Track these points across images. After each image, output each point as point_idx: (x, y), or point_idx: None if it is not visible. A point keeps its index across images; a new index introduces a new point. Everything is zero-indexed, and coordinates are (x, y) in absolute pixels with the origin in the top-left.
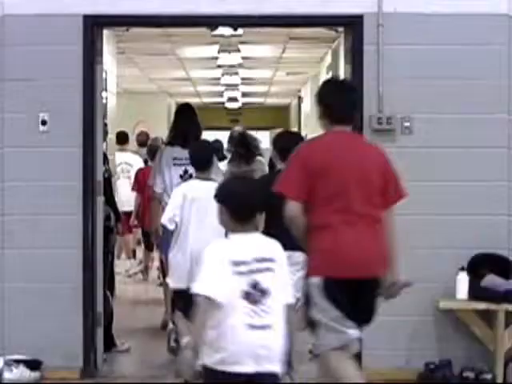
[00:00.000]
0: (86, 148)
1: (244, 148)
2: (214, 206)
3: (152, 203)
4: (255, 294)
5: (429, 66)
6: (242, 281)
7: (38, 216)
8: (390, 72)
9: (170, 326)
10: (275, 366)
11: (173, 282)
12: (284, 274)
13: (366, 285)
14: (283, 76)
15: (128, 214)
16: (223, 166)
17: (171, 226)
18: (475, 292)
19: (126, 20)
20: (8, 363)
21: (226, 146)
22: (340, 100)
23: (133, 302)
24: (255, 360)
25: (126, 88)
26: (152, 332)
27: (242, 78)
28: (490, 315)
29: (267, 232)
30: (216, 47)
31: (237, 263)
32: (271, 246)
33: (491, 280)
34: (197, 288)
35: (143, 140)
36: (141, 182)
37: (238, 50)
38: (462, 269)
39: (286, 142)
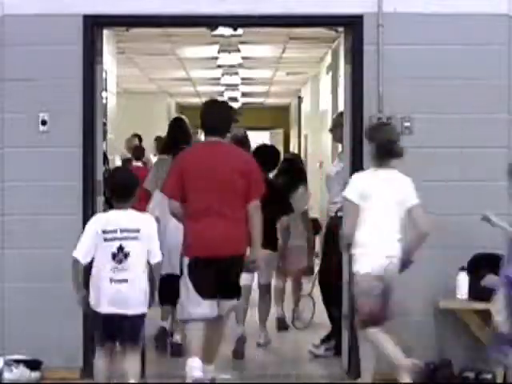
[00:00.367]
0: (86, 148)
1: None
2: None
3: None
4: (120, 256)
5: (429, 66)
6: (111, 245)
7: (38, 216)
8: (390, 72)
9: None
10: (129, 310)
11: None
12: (150, 241)
13: (224, 262)
14: (283, 76)
15: None
16: None
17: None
18: (475, 292)
19: (126, 20)
20: (8, 363)
21: None
22: (209, 115)
23: None
24: (112, 304)
25: (126, 88)
26: (152, 332)
27: (242, 78)
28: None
29: None
30: (216, 47)
31: (106, 232)
32: (140, 220)
33: (491, 280)
34: (74, 252)
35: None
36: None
37: (238, 50)
38: (462, 269)
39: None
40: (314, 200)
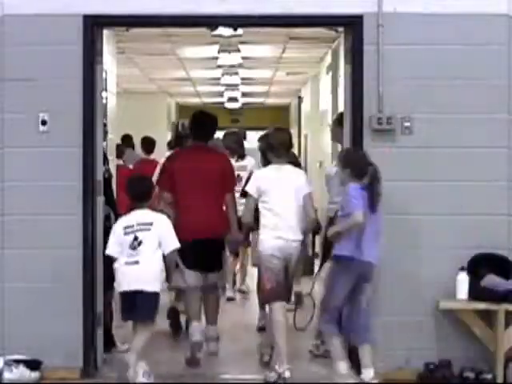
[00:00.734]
0: (86, 148)
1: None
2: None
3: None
4: (134, 244)
5: (429, 66)
6: (130, 237)
7: (38, 216)
8: (390, 72)
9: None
10: (142, 287)
11: None
12: (162, 233)
13: (207, 243)
14: (283, 76)
15: None
16: None
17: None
18: (475, 292)
19: (126, 20)
20: (8, 363)
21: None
22: (197, 125)
23: None
24: (127, 283)
25: (126, 88)
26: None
27: (242, 78)
28: (489, 315)
29: None
30: (216, 47)
31: (126, 227)
32: (153, 216)
33: (491, 280)
34: (106, 251)
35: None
36: None
37: (238, 50)
38: (462, 269)
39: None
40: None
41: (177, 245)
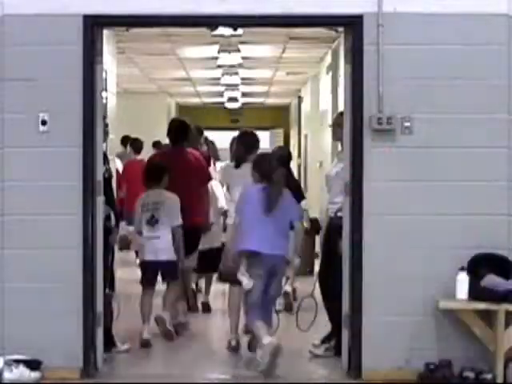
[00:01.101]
0: (86, 148)
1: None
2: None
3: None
4: (152, 221)
5: (429, 66)
6: (146, 214)
7: (38, 216)
8: (390, 72)
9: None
10: (163, 256)
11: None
12: (171, 209)
13: (191, 230)
14: (283, 76)
15: None
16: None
17: None
18: (475, 292)
19: (126, 20)
20: (8, 363)
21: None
22: (174, 130)
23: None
24: (153, 254)
25: (126, 88)
26: (152, 331)
27: (242, 78)
28: (490, 315)
29: None
30: (216, 47)
31: (143, 206)
32: (165, 195)
33: (491, 280)
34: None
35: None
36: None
37: (238, 50)
38: (462, 269)
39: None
40: (315, 200)
41: (180, 221)
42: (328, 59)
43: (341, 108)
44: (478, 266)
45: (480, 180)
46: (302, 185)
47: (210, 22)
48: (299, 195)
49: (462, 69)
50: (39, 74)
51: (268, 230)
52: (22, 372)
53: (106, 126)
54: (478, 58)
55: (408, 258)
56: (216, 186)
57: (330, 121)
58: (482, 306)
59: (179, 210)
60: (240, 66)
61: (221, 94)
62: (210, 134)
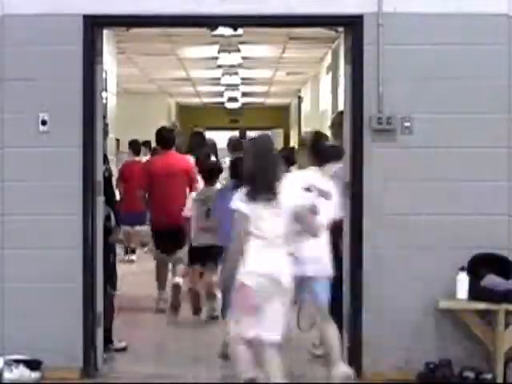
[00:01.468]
0: (86, 148)
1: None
2: None
3: None
4: (208, 213)
5: (429, 66)
6: (202, 207)
7: (38, 216)
8: (390, 72)
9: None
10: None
11: None
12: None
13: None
14: (283, 76)
15: None
16: None
17: None
18: (475, 292)
19: (126, 20)
20: (8, 363)
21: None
22: (163, 137)
23: (133, 300)
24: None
25: (126, 88)
26: (152, 331)
27: (242, 78)
28: (489, 315)
29: None
30: (216, 47)
31: (198, 199)
32: (214, 191)
33: (491, 280)
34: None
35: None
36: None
37: (238, 50)
38: (462, 269)
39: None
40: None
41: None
42: (328, 59)
43: (341, 108)
44: (478, 265)
45: (480, 180)
46: None
47: (210, 22)
48: None
49: (462, 69)
50: (39, 74)
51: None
52: (22, 372)
53: (105, 125)
54: (478, 57)
55: (408, 257)
56: None
57: (330, 121)
58: (482, 305)
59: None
60: (240, 66)
61: (221, 94)
62: (209, 134)
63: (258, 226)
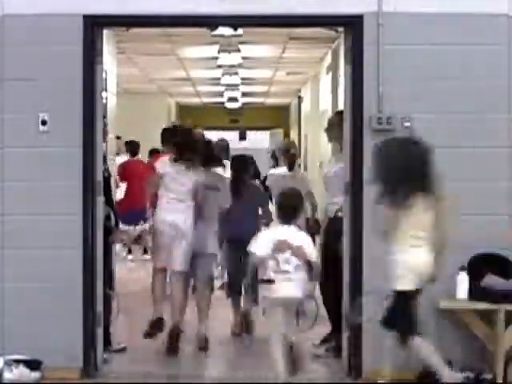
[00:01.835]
0: (86, 148)
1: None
2: None
3: None
4: None
5: (429, 66)
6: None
7: (38, 216)
8: (390, 72)
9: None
10: None
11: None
12: None
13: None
14: (283, 76)
15: None
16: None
17: None
18: (475, 292)
19: (125, 20)
20: (8, 363)
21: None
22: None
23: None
24: None
25: (126, 88)
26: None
27: (242, 78)
28: (489, 315)
29: None
30: (216, 47)
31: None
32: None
33: (491, 280)
34: None
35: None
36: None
37: (238, 50)
38: (462, 269)
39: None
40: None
41: None
42: (328, 59)
43: (341, 108)
44: (478, 266)
45: (480, 180)
46: None
47: (210, 22)
48: None
49: (462, 69)
50: (39, 74)
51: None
52: (22, 372)
53: (105, 125)
54: (478, 57)
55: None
56: None
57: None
58: (482, 305)
59: None
60: (240, 66)
61: (221, 94)
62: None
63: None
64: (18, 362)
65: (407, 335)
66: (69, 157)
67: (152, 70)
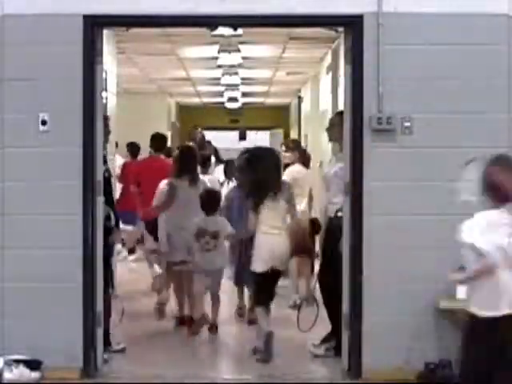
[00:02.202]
0: (86, 148)
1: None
2: None
3: None
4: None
5: (429, 66)
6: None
7: (38, 216)
8: (390, 72)
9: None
10: None
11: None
12: None
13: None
14: (283, 76)
15: None
16: None
17: None
18: None
19: (126, 20)
20: (8, 363)
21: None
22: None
23: (132, 300)
24: None
25: (126, 88)
26: (152, 331)
27: (242, 78)
28: None
29: None
30: (216, 47)
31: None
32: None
33: None
34: None
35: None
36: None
37: (238, 50)
38: (461, 269)
39: None
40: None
41: None
42: (328, 59)
43: (341, 108)
44: None
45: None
46: None
47: (210, 22)
48: None
49: (461, 69)
50: (39, 74)
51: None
52: (22, 372)
53: (105, 125)
54: (478, 57)
55: (408, 257)
56: None
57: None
58: None
59: None
60: (240, 65)
61: (221, 94)
62: (209, 134)
63: None
64: (18, 361)
65: (255, 303)
66: (69, 157)
67: (152, 70)
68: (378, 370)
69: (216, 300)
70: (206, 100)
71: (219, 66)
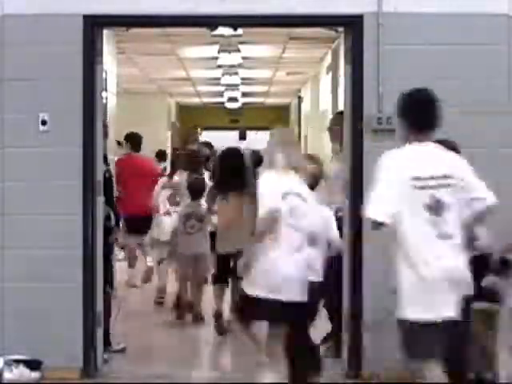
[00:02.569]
0: (86, 148)
1: None
2: None
3: None
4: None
5: (429, 66)
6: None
7: (38, 216)
8: (390, 72)
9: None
10: None
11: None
12: None
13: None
14: (283, 76)
15: None
16: None
17: None
18: (475, 292)
19: (126, 20)
20: (8, 363)
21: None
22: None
23: (133, 301)
24: None
25: (126, 88)
26: (152, 331)
27: (242, 78)
28: (489, 315)
29: None
30: (216, 47)
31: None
32: None
33: (491, 280)
34: None
35: None
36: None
37: (238, 50)
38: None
39: None
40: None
41: None
42: (328, 59)
43: (341, 108)
44: (478, 266)
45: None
46: None
47: (210, 21)
48: None
49: (462, 69)
50: (39, 74)
51: None
52: (22, 372)
53: (105, 126)
54: (478, 57)
55: None
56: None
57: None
58: (482, 305)
59: None
60: (240, 65)
61: (221, 94)
62: (209, 134)
63: None
64: (17, 361)
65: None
66: (69, 157)
67: (152, 70)
68: (378, 371)
69: (199, 288)
70: (205, 100)
71: (219, 66)
